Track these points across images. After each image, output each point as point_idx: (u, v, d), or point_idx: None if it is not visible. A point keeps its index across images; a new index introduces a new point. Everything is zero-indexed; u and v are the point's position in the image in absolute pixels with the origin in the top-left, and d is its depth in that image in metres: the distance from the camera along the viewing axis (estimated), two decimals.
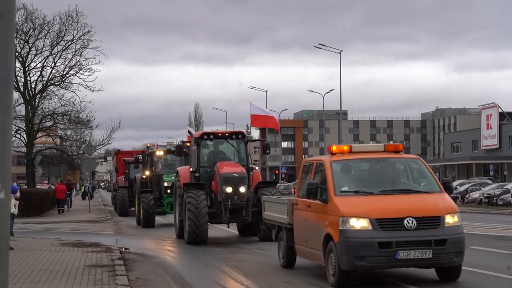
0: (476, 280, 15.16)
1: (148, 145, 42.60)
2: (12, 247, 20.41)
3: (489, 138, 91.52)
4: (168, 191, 35.26)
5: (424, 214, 14.26)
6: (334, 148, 16.24)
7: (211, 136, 27.07)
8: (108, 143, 60.61)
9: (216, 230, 26.91)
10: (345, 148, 16.14)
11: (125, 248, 23.25)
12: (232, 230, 28.91)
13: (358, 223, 13.97)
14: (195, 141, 26.89)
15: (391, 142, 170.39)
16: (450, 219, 14.33)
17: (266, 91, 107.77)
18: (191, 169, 26.60)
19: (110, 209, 55.18)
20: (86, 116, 56.13)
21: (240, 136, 27.37)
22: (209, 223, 25.01)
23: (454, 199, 50.56)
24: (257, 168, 28.19)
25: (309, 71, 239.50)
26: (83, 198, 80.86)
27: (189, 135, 30.65)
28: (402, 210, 14.17)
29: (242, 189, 25.05)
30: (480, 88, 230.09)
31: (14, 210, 26.48)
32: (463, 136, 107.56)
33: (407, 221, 13.91)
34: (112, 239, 27.06)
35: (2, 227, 3.18)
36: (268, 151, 28.19)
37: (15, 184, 23.92)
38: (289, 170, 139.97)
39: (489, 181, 66.40)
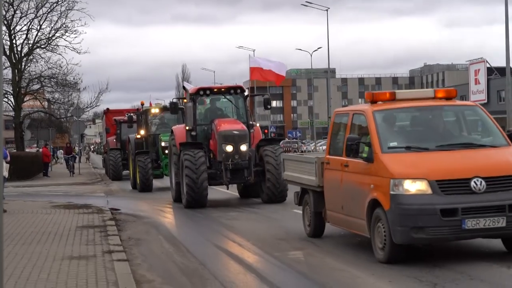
0: None
1: (143, 102, 38.30)
2: (5, 210, 20.42)
3: (477, 93, 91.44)
4: (166, 151, 31.44)
5: (495, 173, 11.75)
6: (375, 95, 13.56)
7: (208, 92, 25.15)
8: (96, 105, 60.37)
9: (213, 193, 25.20)
10: (388, 95, 13.47)
11: (116, 209, 23.26)
12: (232, 192, 27.24)
13: (414, 186, 11.55)
14: (191, 97, 24.97)
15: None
16: None
17: (253, 50, 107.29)
18: (187, 128, 24.84)
19: (101, 172, 54.99)
20: (73, 78, 55.92)
21: (238, 91, 25.53)
22: (208, 185, 23.32)
23: None
24: (257, 125, 26.68)
25: (299, 30, 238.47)
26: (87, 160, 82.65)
27: (184, 91, 27.05)
28: (468, 169, 11.72)
29: (243, 148, 23.39)
30: (470, 44, 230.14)
31: (5, 173, 26.43)
32: None
33: (475, 182, 11.50)
34: (103, 201, 27.07)
35: None
36: (269, 106, 26.39)
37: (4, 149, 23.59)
38: (278, 129, 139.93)
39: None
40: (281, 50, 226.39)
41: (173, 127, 26.63)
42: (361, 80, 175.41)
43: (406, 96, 13.66)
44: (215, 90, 25.57)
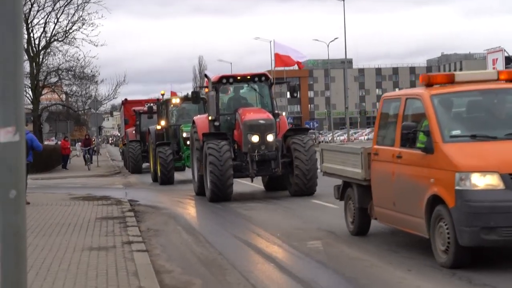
0: None
1: (163, 92, 36.65)
2: (28, 202, 20.52)
3: None
4: (188, 142, 29.98)
5: None
6: (431, 77, 12.10)
7: (231, 80, 23.98)
8: (114, 98, 60.63)
9: (237, 185, 23.54)
10: (446, 77, 12.07)
11: (134, 201, 23.35)
12: (256, 184, 25.87)
13: (484, 180, 10.14)
14: (213, 86, 23.69)
15: (397, 90, 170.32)
16: None
17: (270, 41, 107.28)
18: (209, 118, 23.50)
19: (119, 164, 55.01)
20: (91, 71, 56.13)
21: (263, 78, 24.19)
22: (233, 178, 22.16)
23: None
24: (283, 114, 25.30)
25: (315, 20, 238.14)
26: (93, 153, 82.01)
27: (206, 79, 25.23)
28: None
29: (270, 138, 22.28)
30: (488, 33, 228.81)
31: None
32: None
33: None
34: (122, 192, 27.18)
35: (18, 171, 3.21)
36: (295, 94, 25.05)
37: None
38: (295, 120, 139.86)
39: None
40: (298, 41, 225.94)
41: (195, 118, 25.56)
42: (378, 70, 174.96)
43: (466, 78, 12.22)
44: (239, 78, 24.31)
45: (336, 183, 15.19)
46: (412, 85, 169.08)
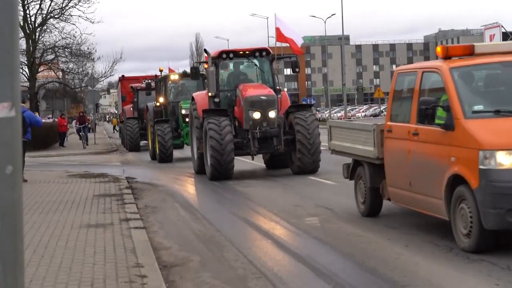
0: None
1: (161, 68, 35.47)
2: (26, 179, 20.55)
3: None
4: (187, 119, 29.49)
5: None
6: (449, 49, 11.33)
7: (231, 55, 23.30)
8: (110, 75, 60.64)
9: (237, 163, 22.70)
10: (465, 48, 11.28)
11: (132, 178, 23.37)
12: (257, 162, 25.09)
13: (510, 159, 9.49)
14: (213, 61, 22.98)
15: (394, 67, 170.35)
16: None
17: (267, 18, 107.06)
18: (209, 94, 22.87)
19: (116, 142, 54.89)
20: (88, 48, 56.06)
21: (264, 53, 23.51)
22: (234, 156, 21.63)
23: None
24: (285, 90, 24.22)
25: None
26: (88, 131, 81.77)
27: (205, 55, 24.48)
28: None
29: (272, 114, 21.70)
30: (485, 9, 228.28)
31: None
32: None
33: None
34: (119, 170, 27.19)
35: (14, 146, 3.18)
36: (297, 69, 23.70)
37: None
38: (293, 97, 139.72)
39: None
40: (295, 17, 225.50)
41: (194, 94, 25.10)
42: (375, 47, 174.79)
43: (487, 50, 11.44)
44: (240, 53, 23.53)
45: (346, 162, 14.43)
46: (410, 61, 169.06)
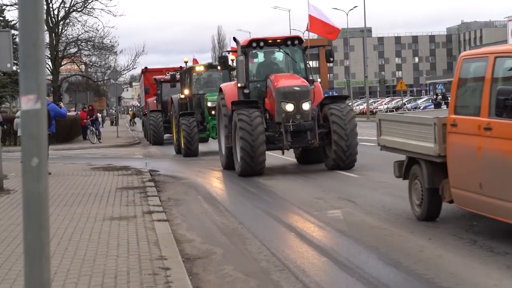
0: None
1: (186, 59, 34.02)
2: (49, 172, 20.67)
3: None
4: (213, 112, 28.70)
5: None
6: None
7: (261, 43, 22.13)
8: (133, 68, 60.85)
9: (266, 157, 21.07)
10: None
11: (155, 171, 23.42)
12: (287, 157, 23.95)
13: None
14: (242, 50, 21.99)
15: (416, 59, 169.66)
16: None
17: (289, 10, 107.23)
18: (238, 85, 21.83)
19: (139, 136, 54.85)
20: (110, 41, 56.32)
21: (296, 41, 22.35)
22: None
23: None
24: (318, 80, 23.12)
25: None
26: (111, 124, 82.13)
27: (235, 43, 22.88)
28: None
29: (306, 106, 20.54)
30: (509, 0, 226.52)
31: None
32: None
33: None
34: (142, 163, 27.26)
35: (40, 139, 3.20)
36: (331, 59, 22.54)
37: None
38: None
39: None
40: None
41: (222, 85, 23.88)
42: (397, 39, 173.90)
43: None
44: (270, 41, 22.37)
45: (398, 160, 13.18)
46: (432, 53, 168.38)
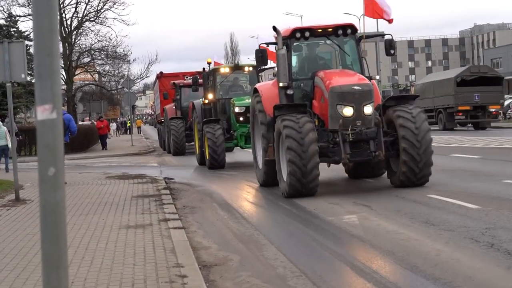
0: None
1: (209, 60, 30.87)
2: (65, 182, 20.71)
3: None
4: (241, 118, 26.42)
5: None
6: None
7: (306, 33, 18.35)
8: (146, 76, 61.03)
9: None
10: None
11: (170, 178, 23.45)
12: (334, 169, 19.83)
13: None
14: (284, 41, 18.32)
15: (429, 62, 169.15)
16: None
17: (301, 16, 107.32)
18: (280, 85, 18.05)
19: (153, 145, 54.84)
20: (123, 50, 56.54)
21: (349, 31, 18.57)
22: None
23: (496, 115, 49.84)
24: (377, 78, 19.44)
25: None
26: (125, 132, 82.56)
27: (275, 33, 18.31)
28: None
29: (368, 109, 16.85)
30: None
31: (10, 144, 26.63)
32: (503, 51, 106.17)
33: None
34: (157, 171, 27.30)
35: (56, 148, 3.21)
36: (392, 51, 18.53)
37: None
38: None
39: None
40: (329, 15, 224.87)
41: (258, 85, 20.23)
42: (410, 43, 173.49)
43: None
44: (318, 30, 18.59)
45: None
46: (445, 57, 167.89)
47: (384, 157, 16.75)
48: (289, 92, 18.17)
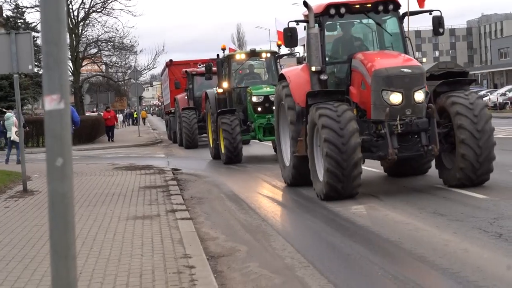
0: None
1: (224, 46, 27.97)
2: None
3: None
4: (259, 109, 24.89)
5: None
6: None
7: (342, 9, 15.89)
8: (153, 67, 61.06)
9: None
10: None
11: (177, 169, 23.45)
12: (369, 167, 18.44)
13: None
14: (316, 19, 15.91)
15: (437, 52, 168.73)
16: None
17: None
18: (312, 69, 15.70)
19: (160, 136, 54.57)
20: (130, 41, 56.59)
21: (391, 6, 15.99)
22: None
23: (504, 105, 49.74)
24: (424, 60, 17.06)
25: None
26: (133, 124, 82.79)
27: (306, 9, 15.90)
28: None
29: (420, 96, 14.45)
30: None
31: (15, 137, 26.76)
32: (511, 41, 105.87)
33: None
34: (164, 162, 27.31)
35: (64, 139, 3.20)
36: (442, 30, 15.99)
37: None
38: None
39: None
40: None
41: (284, 71, 18.11)
42: (417, 33, 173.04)
43: None
44: (355, 6, 16.06)
45: None
46: (452, 47, 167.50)
47: (438, 152, 14.57)
48: (323, 77, 15.79)
